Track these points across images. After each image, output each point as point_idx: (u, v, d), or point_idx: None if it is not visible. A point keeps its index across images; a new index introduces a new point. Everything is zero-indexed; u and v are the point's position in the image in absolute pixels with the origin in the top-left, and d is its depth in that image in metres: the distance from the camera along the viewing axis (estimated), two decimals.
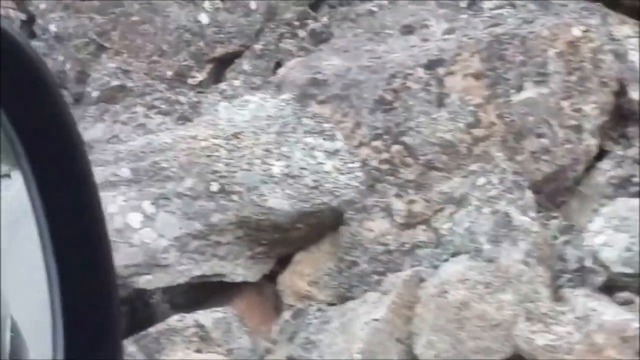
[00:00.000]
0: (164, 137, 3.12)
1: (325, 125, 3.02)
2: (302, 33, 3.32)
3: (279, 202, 2.97)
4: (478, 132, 2.93)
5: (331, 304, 2.97)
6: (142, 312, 3.17)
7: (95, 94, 3.39)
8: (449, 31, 3.08)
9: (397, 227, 2.93)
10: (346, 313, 2.91)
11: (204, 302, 3.11)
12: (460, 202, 2.89)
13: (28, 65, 0.87)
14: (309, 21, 3.34)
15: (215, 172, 3.02)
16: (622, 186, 2.90)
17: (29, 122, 0.89)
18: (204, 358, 2.95)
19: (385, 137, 2.98)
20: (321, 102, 3.07)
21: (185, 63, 3.37)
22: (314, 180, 2.97)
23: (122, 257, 3.07)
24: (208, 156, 3.03)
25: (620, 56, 2.98)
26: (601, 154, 2.97)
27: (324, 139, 3.00)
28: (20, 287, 0.94)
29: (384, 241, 2.93)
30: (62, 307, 0.90)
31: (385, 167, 2.97)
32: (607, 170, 2.93)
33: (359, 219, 2.96)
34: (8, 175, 0.93)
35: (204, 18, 3.39)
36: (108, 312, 0.92)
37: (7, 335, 0.91)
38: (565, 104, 2.93)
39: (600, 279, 2.78)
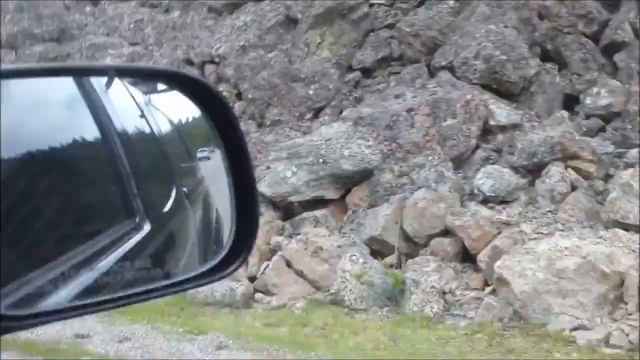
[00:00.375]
0: None
1: None
2: None
3: None
4: None
5: None
6: None
7: None
8: None
9: None
10: None
11: None
12: None
13: (219, 103, 1.79)
14: None
15: None
16: None
17: (221, 127, 1.82)
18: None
19: None
20: None
21: None
22: None
23: None
24: None
25: None
26: None
27: None
28: (220, 198, 1.85)
29: None
30: (236, 210, 1.70)
31: None
32: None
33: None
34: (213, 151, 1.87)
35: None
36: (253, 213, 1.74)
37: (214, 220, 1.94)
38: None
39: None
